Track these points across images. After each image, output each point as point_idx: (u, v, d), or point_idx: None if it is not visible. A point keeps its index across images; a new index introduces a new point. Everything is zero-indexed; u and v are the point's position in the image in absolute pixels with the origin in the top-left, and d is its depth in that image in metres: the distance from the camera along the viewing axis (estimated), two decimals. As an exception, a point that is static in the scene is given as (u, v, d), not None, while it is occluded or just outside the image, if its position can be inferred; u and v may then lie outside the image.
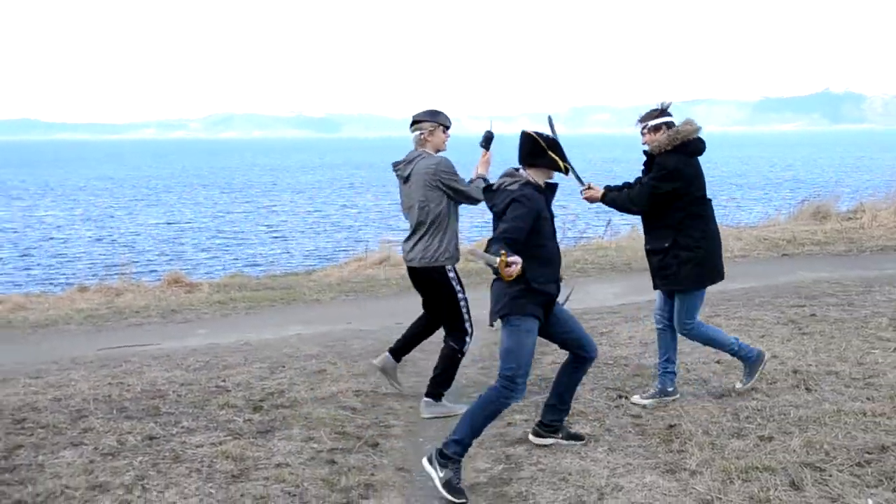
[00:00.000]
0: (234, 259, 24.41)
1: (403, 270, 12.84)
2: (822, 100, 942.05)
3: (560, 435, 5.36)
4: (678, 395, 6.12)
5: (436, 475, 4.69)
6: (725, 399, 6.01)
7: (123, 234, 31.44)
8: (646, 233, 6.01)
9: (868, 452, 4.88)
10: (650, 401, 6.05)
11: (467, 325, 6.10)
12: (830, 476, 4.59)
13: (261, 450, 5.31)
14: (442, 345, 6.19)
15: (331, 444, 5.41)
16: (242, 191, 56.09)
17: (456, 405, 6.15)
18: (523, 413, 5.93)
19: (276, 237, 29.98)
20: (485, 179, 6.02)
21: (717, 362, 6.96)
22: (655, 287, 6.10)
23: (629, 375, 6.74)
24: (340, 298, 11.23)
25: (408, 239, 6.16)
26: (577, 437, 5.36)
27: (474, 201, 5.94)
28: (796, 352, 7.16)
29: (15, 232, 32.14)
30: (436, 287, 6.07)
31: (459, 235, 6.21)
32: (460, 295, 6.07)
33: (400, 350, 6.62)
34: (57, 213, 40.25)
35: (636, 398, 6.14)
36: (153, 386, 6.82)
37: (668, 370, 6.14)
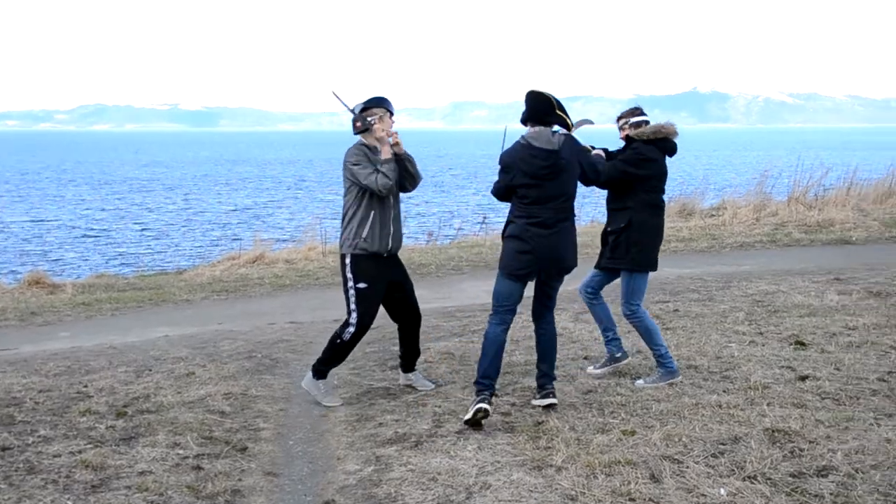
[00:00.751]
0: (103, 259, 23.60)
1: (277, 269, 12.73)
2: (690, 99, 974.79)
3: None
4: (629, 358, 6.74)
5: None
6: (591, 395, 6.15)
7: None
8: (608, 215, 6.53)
9: (722, 444, 5.07)
10: (603, 370, 6.64)
11: (354, 314, 6.11)
12: (687, 468, 4.75)
13: (123, 458, 5.15)
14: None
15: (197, 450, 5.29)
16: (113, 186, 54.28)
17: (326, 396, 6.26)
18: (394, 413, 5.93)
19: (147, 235, 29.13)
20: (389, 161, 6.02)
21: (585, 358, 7.12)
22: (598, 265, 6.58)
23: (500, 374, 6.79)
24: (211, 298, 11.00)
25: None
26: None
27: (376, 189, 5.92)
28: (659, 347, 7.38)
29: None
30: (342, 273, 6.16)
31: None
32: (350, 283, 6.10)
33: (405, 360, 6.55)
34: None
35: (590, 369, 6.72)
36: (8, 394, 6.53)
37: (611, 338, 6.68)
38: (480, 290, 10.78)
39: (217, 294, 11.25)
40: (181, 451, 5.25)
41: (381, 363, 7.33)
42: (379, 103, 6.15)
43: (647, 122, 6.48)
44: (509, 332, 6.10)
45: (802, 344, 7.29)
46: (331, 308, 9.68)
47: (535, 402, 5.90)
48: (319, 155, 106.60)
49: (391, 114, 6.19)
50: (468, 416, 5.54)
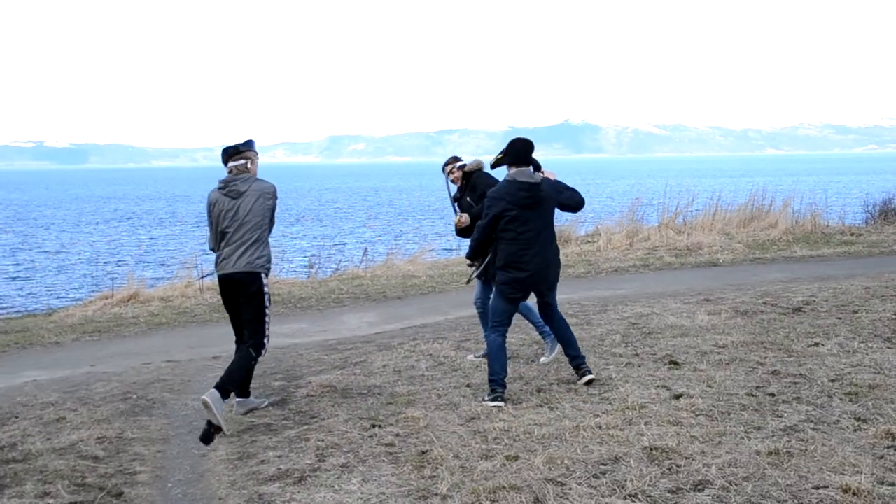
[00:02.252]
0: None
1: (152, 308, 12.37)
2: (563, 130, 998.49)
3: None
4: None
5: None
6: (475, 422, 6.17)
7: None
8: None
9: (603, 464, 5.17)
10: (551, 355, 7.83)
11: (268, 332, 6.70)
12: (570, 489, 4.82)
13: (-12, 511, 4.88)
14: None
15: (69, 498, 5.07)
16: (-25, 226, 51.76)
17: (258, 399, 6.96)
18: (276, 449, 5.82)
19: (13, 276, 27.86)
20: None
21: (467, 386, 7.15)
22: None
23: (383, 404, 6.77)
24: (83, 340, 10.57)
25: (230, 249, 6.58)
26: None
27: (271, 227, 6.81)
28: (539, 371, 7.50)
29: None
30: (253, 293, 6.57)
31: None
32: (268, 304, 6.68)
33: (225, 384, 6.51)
34: None
35: (542, 359, 7.87)
36: None
37: (542, 330, 7.92)
38: (362, 322, 10.75)
39: (89, 335, 10.83)
40: (51, 501, 5.03)
41: (262, 397, 7.18)
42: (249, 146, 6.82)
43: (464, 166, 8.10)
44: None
45: (676, 363, 7.51)
46: (208, 345, 9.47)
47: (579, 383, 6.96)
48: (196, 191, 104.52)
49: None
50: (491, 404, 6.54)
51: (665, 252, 16.04)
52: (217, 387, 6.28)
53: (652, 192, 25.38)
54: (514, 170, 6.77)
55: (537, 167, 6.89)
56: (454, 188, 8.25)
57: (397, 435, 5.98)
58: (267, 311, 6.65)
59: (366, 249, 19.41)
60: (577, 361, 7.05)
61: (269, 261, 6.71)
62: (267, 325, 6.65)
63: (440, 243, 25.89)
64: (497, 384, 6.68)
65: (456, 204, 8.11)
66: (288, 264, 17.58)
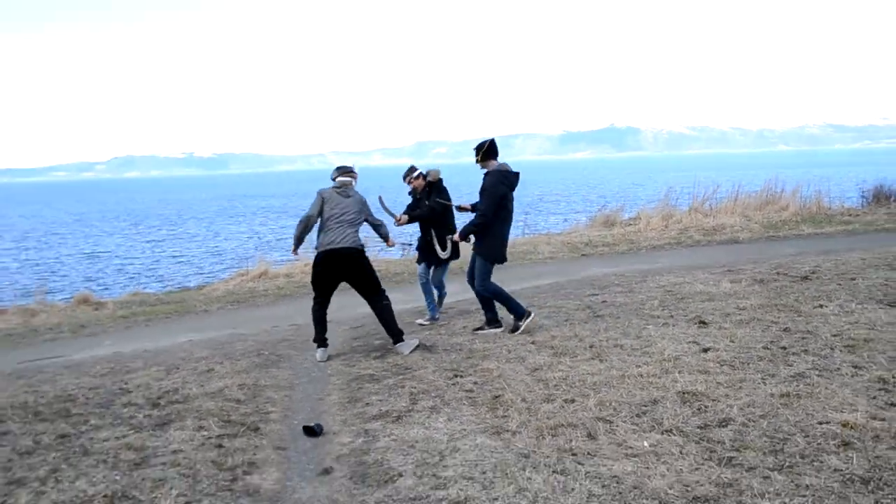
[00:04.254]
0: (138, 279, 23.27)
1: (279, 282, 12.62)
2: (609, 133, 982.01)
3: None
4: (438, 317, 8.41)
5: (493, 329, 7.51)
6: (538, 372, 6.14)
7: (43, 261, 29.50)
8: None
9: (644, 406, 5.10)
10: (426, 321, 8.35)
11: (383, 288, 7.32)
12: (617, 426, 4.77)
13: (159, 440, 5.07)
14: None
15: (218, 431, 5.22)
16: (148, 221, 53.57)
17: (411, 341, 7.33)
18: (378, 395, 5.90)
19: (174, 259, 28.77)
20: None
21: (532, 343, 7.12)
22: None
23: (463, 358, 6.80)
24: (226, 308, 10.88)
25: (338, 232, 7.03)
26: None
27: (378, 223, 7.55)
28: (592, 330, 7.42)
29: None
30: (363, 261, 7.13)
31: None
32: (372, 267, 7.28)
33: (392, 334, 7.30)
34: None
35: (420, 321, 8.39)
36: (65, 391, 6.41)
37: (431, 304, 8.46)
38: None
39: (230, 304, 11.14)
40: (205, 433, 5.19)
41: (366, 354, 7.29)
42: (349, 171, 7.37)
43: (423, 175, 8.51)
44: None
45: (704, 323, 7.35)
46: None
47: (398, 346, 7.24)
48: (312, 189, 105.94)
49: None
50: (523, 329, 7.43)
51: (694, 232, 15.68)
52: (395, 341, 7.23)
53: (683, 183, 24.82)
54: (496, 162, 7.28)
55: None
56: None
57: (475, 383, 6.00)
58: (376, 276, 7.26)
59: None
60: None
61: (361, 241, 7.27)
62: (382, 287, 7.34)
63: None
64: (521, 313, 7.39)
65: (433, 204, 8.29)
66: (378, 249, 17.74)
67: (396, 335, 7.27)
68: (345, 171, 7.34)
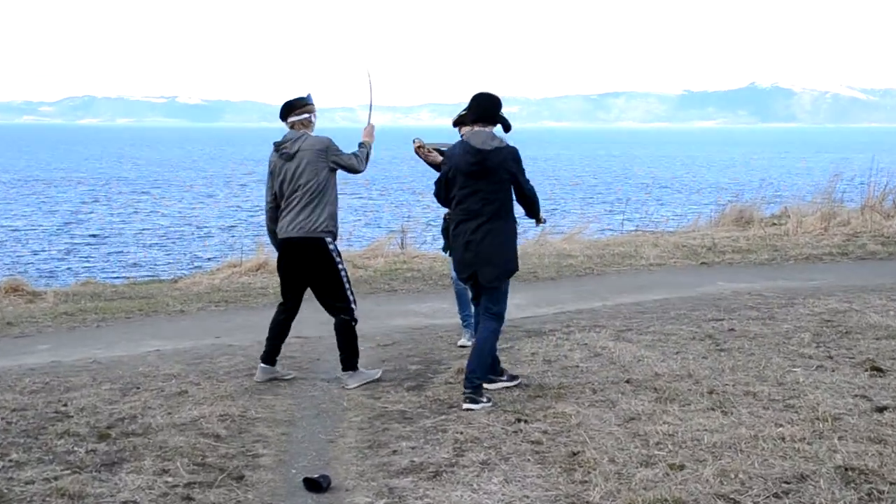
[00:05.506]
0: (89, 265, 23.76)
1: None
2: (749, 95, 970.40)
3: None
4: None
5: (480, 406, 6.45)
6: (634, 422, 6.05)
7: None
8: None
9: (786, 482, 4.97)
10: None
11: (350, 293, 7.24)
12: (745, 508, 4.66)
13: (104, 485, 5.12)
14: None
15: (188, 478, 5.25)
16: (103, 187, 54.72)
17: (371, 371, 7.39)
18: (410, 440, 5.87)
19: (140, 240, 29.31)
20: (367, 145, 7.44)
21: (627, 381, 7.02)
22: None
23: (530, 397, 6.75)
24: (209, 309, 11.00)
25: (286, 213, 7.08)
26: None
27: (356, 172, 7.31)
28: (713, 370, 7.29)
29: None
30: (314, 259, 7.08)
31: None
32: (340, 265, 7.16)
33: (271, 353, 7.42)
34: None
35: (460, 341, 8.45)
36: (-22, 412, 6.53)
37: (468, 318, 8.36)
38: (509, 304, 10.70)
39: (215, 304, 11.25)
40: (170, 479, 5.22)
41: (398, 383, 7.28)
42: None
43: None
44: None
45: (879, 370, 7.17)
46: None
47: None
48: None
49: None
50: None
51: (868, 239, 15.36)
52: (343, 367, 7.20)
53: (854, 169, 24.35)
54: (473, 129, 6.77)
55: (507, 128, 6.89)
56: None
57: (545, 432, 5.93)
58: (342, 274, 7.18)
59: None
60: (470, 379, 6.63)
61: (331, 222, 7.11)
62: (348, 289, 7.21)
63: (602, 220, 25.64)
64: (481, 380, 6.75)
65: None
66: (431, 237, 17.71)
67: (347, 361, 7.26)
68: (292, 107, 7.21)
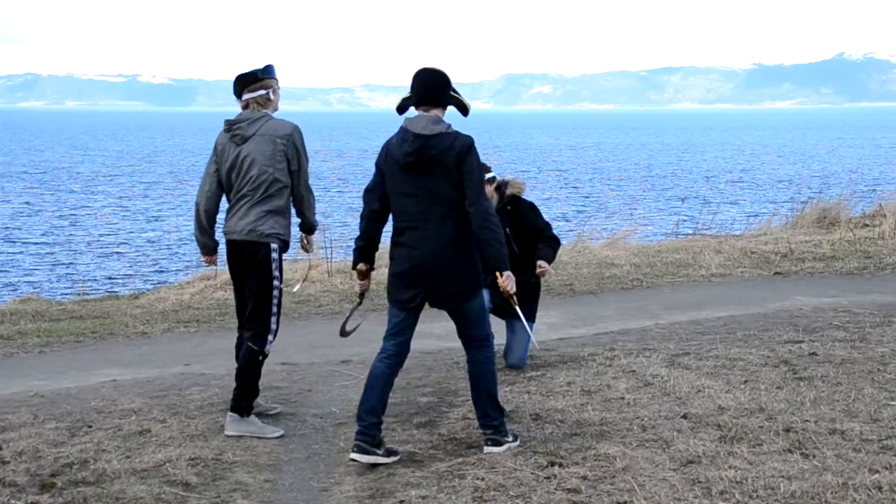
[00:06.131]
0: (31, 279, 23.87)
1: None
2: (836, 68, 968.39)
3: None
4: None
5: (506, 447, 6.41)
6: (693, 467, 6.03)
7: None
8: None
9: (881, 540, 4.94)
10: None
11: (273, 320, 7.14)
12: (830, 571, 4.65)
13: (49, 544, 5.13)
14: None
15: (150, 536, 5.26)
16: (50, 183, 55.01)
17: (266, 427, 7.03)
18: (420, 487, 5.87)
19: (94, 248, 29.44)
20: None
21: (684, 417, 7.00)
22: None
23: (566, 435, 6.74)
24: (177, 331, 11.04)
25: (233, 209, 7.05)
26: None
27: (301, 200, 7.26)
28: (790, 403, 7.27)
29: None
30: (255, 265, 7.03)
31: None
32: (276, 283, 7.09)
33: (236, 390, 7.16)
34: None
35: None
36: None
37: None
38: (541, 323, 10.70)
39: (185, 325, 11.29)
40: (128, 537, 5.22)
41: (405, 418, 7.28)
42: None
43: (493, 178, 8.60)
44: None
45: None
46: (336, 345, 9.64)
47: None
48: (332, 142, 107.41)
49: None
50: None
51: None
52: (232, 405, 7.08)
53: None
54: (415, 113, 6.48)
55: (464, 111, 6.64)
56: None
57: (584, 478, 5.91)
58: (274, 294, 7.10)
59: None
60: (485, 421, 6.59)
61: (281, 227, 7.03)
62: (273, 313, 7.13)
63: (654, 222, 25.62)
64: (501, 424, 6.60)
65: None
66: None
67: (238, 398, 7.07)
68: (250, 79, 7.10)
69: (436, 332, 10.26)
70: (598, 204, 38.27)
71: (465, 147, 6.28)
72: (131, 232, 32.95)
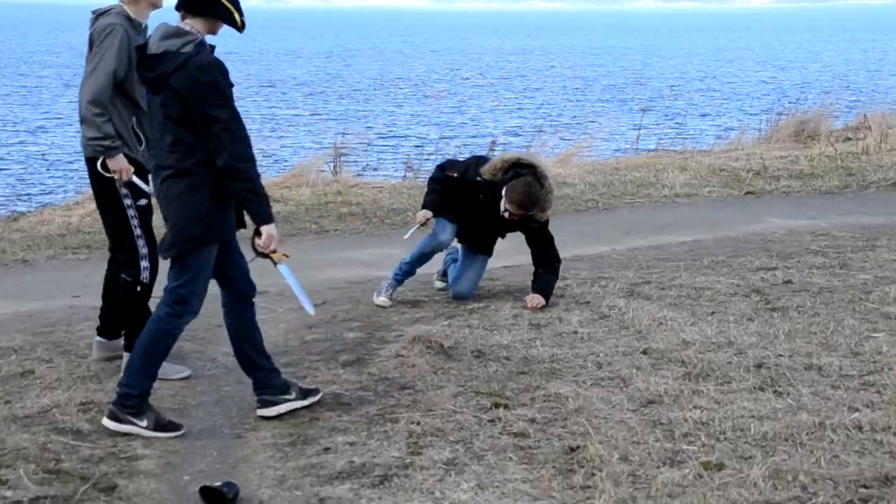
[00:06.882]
0: None
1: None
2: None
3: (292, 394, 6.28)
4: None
5: (139, 427, 5.90)
6: (654, 407, 6.09)
7: None
8: None
9: (864, 486, 5.03)
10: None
11: (141, 241, 6.93)
12: (809, 525, 4.73)
13: (-85, 505, 5.10)
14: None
15: (35, 490, 5.23)
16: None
17: (169, 367, 6.77)
18: (348, 433, 5.88)
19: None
20: None
21: (644, 352, 7.06)
22: None
23: (512, 373, 6.79)
24: (65, 258, 10.94)
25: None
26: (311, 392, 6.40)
27: None
28: (762, 336, 7.36)
29: None
30: (93, 186, 6.98)
31: None
32: (128, 201, 6.83)
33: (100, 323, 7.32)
34: None
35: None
36: None
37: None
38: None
39: (73, 251, 11.18)
40: (8, 494, 5.20)
41: (330, 356, 7.29)
42: None
43: None
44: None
45: None
46: (253, 273, 9.61)
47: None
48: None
49: None
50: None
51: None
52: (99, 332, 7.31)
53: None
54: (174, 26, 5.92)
55: (238, 27, 6.02)
56: None
57: (532, 421, 5.97)
58: (130, 213, 6.88)
59: (493, 142, 19.39)
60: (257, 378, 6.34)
61: (101, 135, 6.58)
62: (137, 235, 6.93)
63: (611, 136, 25.64)
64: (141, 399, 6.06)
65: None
66: (377, 162, 17.68)
67: (129, 336, 6.87)
68: None
69: (364, 259, 10.25)
70: (549, 116, 38.19)
71: (203, 77, 5.77)
72: (9, 146, 32.40)
